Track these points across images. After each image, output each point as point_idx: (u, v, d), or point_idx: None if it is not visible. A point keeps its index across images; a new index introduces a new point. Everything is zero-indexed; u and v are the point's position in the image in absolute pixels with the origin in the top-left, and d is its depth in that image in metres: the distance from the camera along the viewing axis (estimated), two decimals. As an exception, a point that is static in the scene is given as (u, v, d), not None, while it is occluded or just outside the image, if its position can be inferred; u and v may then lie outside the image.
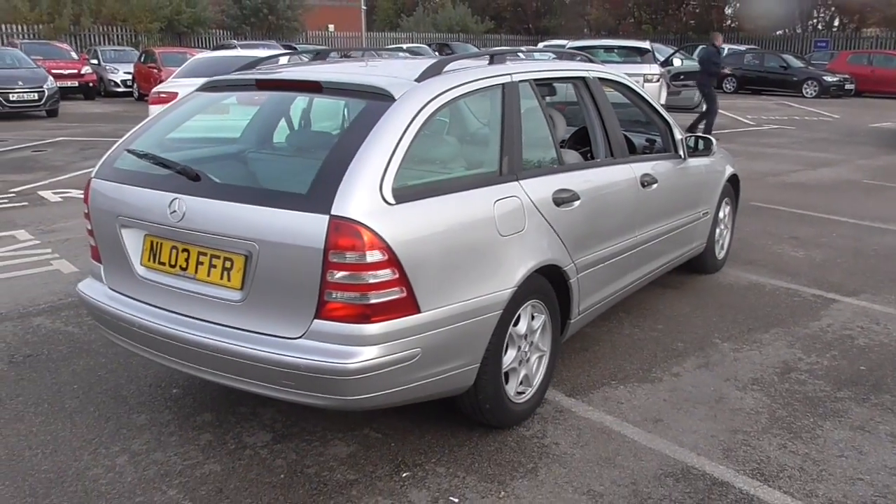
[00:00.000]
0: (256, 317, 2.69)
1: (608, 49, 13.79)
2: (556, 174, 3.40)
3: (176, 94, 9.56)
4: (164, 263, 2.92)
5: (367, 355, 2.56)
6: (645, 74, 12.58)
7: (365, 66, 3.51)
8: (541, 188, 3.24)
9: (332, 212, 2.50)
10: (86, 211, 3.23)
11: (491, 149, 3.16)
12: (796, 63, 26.38)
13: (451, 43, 30.55)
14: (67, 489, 2.84)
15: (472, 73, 3.13)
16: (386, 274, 2.54)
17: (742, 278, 5.52)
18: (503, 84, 3.24)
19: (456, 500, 2.79)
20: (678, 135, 4.59)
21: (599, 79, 3.97)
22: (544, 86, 3.64)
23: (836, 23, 37.10)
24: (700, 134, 4.65)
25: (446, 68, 3.07)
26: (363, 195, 2.54)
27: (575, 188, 3.43)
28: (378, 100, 2.83)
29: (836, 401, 3.63)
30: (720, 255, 5.58)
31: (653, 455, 3.12)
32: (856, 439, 3.28)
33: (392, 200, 2.60)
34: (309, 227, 2.52)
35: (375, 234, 2.51)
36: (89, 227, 3.22)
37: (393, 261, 2.55)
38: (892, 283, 5.50)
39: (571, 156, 3.78)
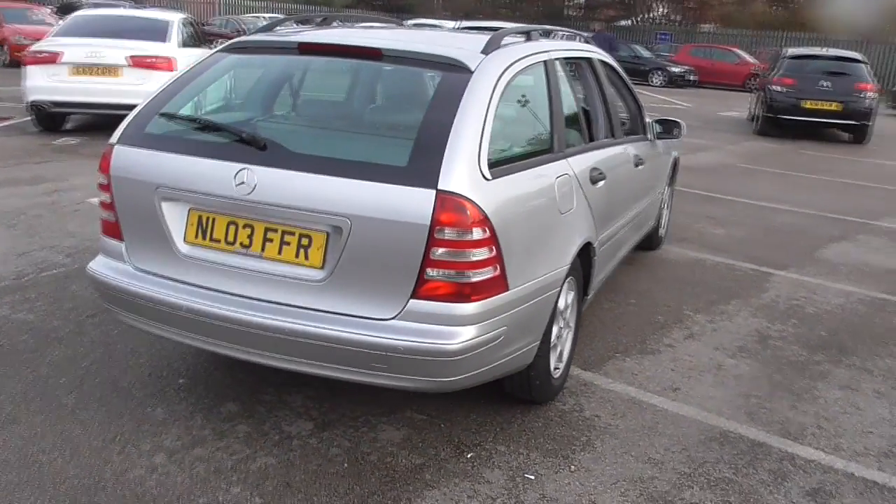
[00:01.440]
0: (340, 297, 2.54)
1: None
2: (588, 152, 3.46)
3: (59, 53, 8.75)
4: (217, 240, 2.68)
5: (467, 335, 2.51)
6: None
7: (410, 35, 3.37)
8: (581, 166, 3.28)
9: (439, 186, 2.41)
10: (104, 182, 2.90)
11: (545, 125, 3.16)
12: (645, 53, 28.04)
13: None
14: (113, 494, 2.57)
15: (525, 49, 3.09)
16: (485, 251, 2.49)
17: (683, 255, 5.85)
18: (545, 61, 3.23)
19: (532, 477, 2.79)
20: (647, 117, 4.78)
21: (600, 60, 4.06)
22: (569, 64, 3.67)
23: (678, 17, 39.56)
24: (668, 117, 4.86)
25: (503, 42, 3.02)
26: (466, 169, 2.47)
27: (601, 167, 3.50)
28: (454, 71, 2.74)
29: (817, 364, 3.95)
30: (662, 232, 5.88)
31: (688, 422, 3.26)
32: (849, 398, 3.59)
33: (489, 176, 2.55)
34: (414, 201, 2.42)
35: (480, 209, 2.45)
36: (107, 200, 2.90)
37: (492, 237, 2.50)
38: (808, 257, 6.03)
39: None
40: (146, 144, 2.83)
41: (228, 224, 2.66)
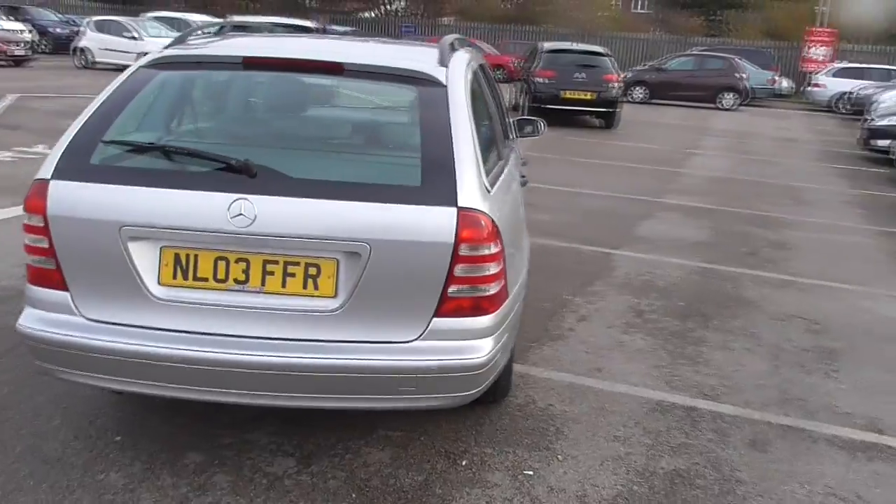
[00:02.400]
0: (358, 325, 2.46)
1: (272, 26, 13.54)
2: (513, 155, 3.61)
3: None
4: (203, 279, 2.46)
5: (489, 347, 2.56)
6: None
7: (346, 47, 3.24)
8: (516, 169, 3.43)
9: (459, 203, 2.43)
10: (37, 224, 2.50)
11: (494, 132, 3.25)
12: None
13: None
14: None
15: (464, 58, 3.13)
16: (498, 263, 2.56)
17: (531, 242, 6.23)
18: (475, 69, 3.32)
19: (531, 473, 2.92)
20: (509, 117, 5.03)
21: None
22: (481, 69, 3.75)
23: (419, 10, 40.79)
24: (529, 116, 5.15)
25: (454, 52, 3.05)
26: (476, 184, 2.51)
27: (521, 170, 3.68)
28: (427, 85, 2.74)
29: (692, 331, 4.49)
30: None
31: (626, 398, 3.57)
32: (731, 357, 4.14)
33: (489, 188, 2.61)
34: (435, 220, 2.41)
35: (494, 223, 2.51)
36: (41, 245, 2.52)
37: (501, 249, 2.57)
38: (630, 235, 6.74)
39: None
40: (98, 178, 2.50)
41: (216, 260, 2.45)
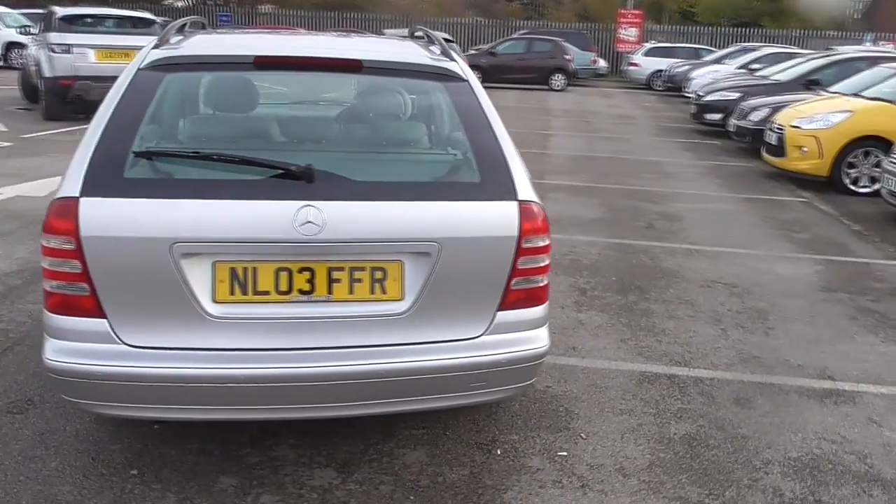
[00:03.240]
0: (427, 325, 2.44)
1: (103, 18, 12.50)
2: None
3: None
4: (264, 293, 2.33)
5: (546, 335, 2.64)
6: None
7: (356, 43, 3.12)
8: None
9: (519, 197, 2.47)
10: (65, 247, 2.26)
11: None
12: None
13: None
14: None
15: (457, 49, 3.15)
16: (549, 254, 2.62)
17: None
18: None
19: (564, 453, 3.03)
20: None
21: None
22: None
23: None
24: None
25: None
26: (526, 176, 2.56)
27: None
28: (450, 80, 2.75)
29: (635, 304, 4.77)
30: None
31: (612, 373, 3.77)
32: (682, 325, 4.46)
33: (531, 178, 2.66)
34: (500, 215, 2.44)
35: (546, 215, 2.57)
36: (73, 269, 2.28)
37: (550, 240, 2.63)
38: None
39: None
40: (141, 192, 2.29)
41: (278, 272, 2.34)
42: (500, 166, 2.52)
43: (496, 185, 2.49)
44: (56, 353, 2.33)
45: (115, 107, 2.44)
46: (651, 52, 26.95)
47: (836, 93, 10.65)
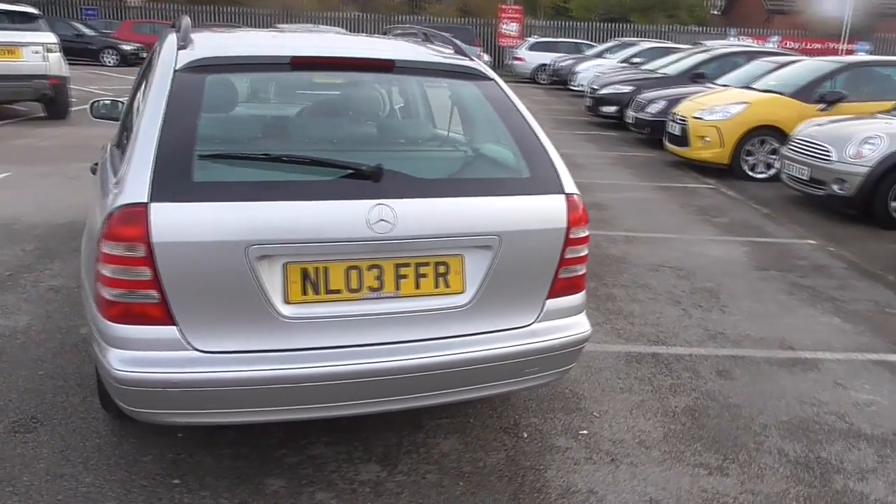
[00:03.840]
0: (485, 316, 2.55)
1: None
2: None
3: None
4: (336, 291, 2.37)
5: (586, 320, 2.80)
6: (45, 44, 11.24)
7: (377, 43, 3.16)
8: None
9: (565, 190, 2.62)
10: (135, 254, 2.21)
11: None
12: (88, 31, 26.06)
13: None
14: None
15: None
16: (588, 244, 2.78)
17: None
18: None
19: (585, 432, 3.21)
20: None
21: None
22: None
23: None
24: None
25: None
26: (568, 171, 2.70)
27: None
28: (479, 79, 2.86)
29: (597, 289, 5.02)
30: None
31: (598, 355, 3.98)
32: (645, 307, 4.75)
33: None
34: (551, 207, 2.58)
35: (586, 207, 2.72)
36: (143, 276, 2.23)
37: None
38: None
39: None
40: (213, 196, 2.27)
41: (348, 270, 2.38)
42: (545, 161, 2.66)
43: (544, 179, 2.62)
44: (124, 363, 2.27)
45: (166, 109, 2.38)
46: (535, 47, 27.72)
47: (725, 85, 11.44)
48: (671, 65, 15.08)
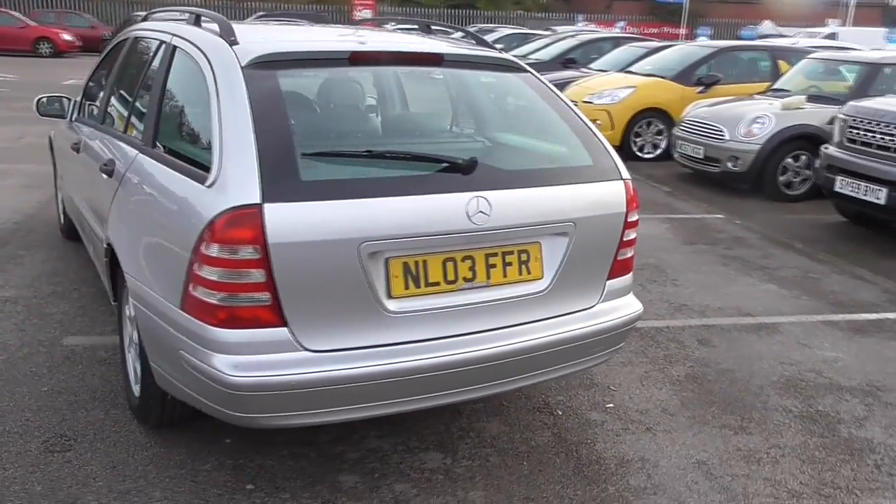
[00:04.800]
0: (559, 300, 2.66)
1: None
2: None
3: None
4: (435, 283, 2.40)
5: (636, 300, 2.97)
6: None
7: (412, 38, 3.22)
8: None
9: (623, 176, 2.77)
10: (248, 256, 2.15)
11: None
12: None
13: None
14: None
15: None
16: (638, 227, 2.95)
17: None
18: None
19: (612, 405, 3.40)
20: None
21: None
22: None
23: None
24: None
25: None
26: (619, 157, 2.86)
27: None
28: (518, 71, 2.96)
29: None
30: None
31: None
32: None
33: None
34: (614, 193, 2.73)
35: (636, 191, 2.89)
36: (256, 280, 2.17)
37: None
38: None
39: None
40: (325, 195, 2.24)
41: (445, 262, 2.41)
42: (602, 149, 2.80)
43: (605, 166, 2.77)
44: (235, 368, 2.19)
45: (251, 107, 2.29)
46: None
47: (603, 70, 12.05)
48: (539, 51, 15.60)
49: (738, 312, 4.62)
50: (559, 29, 21.36)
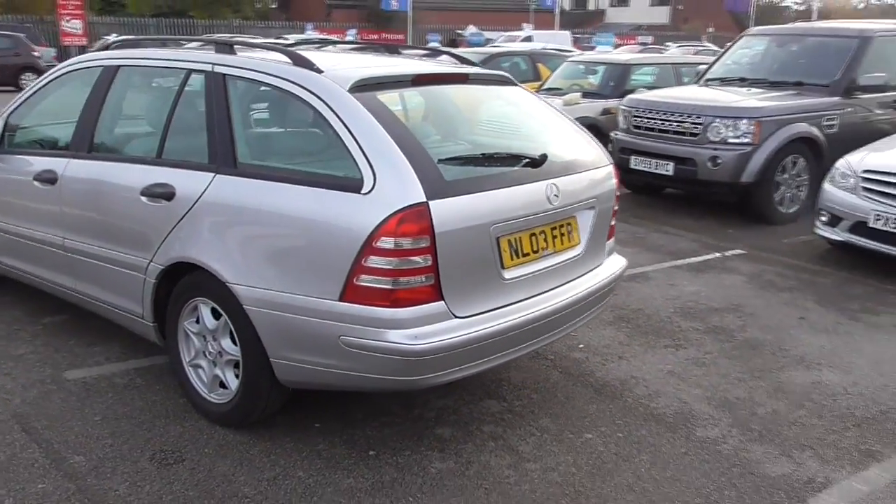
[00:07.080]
0: (587, 260, 3.45)
1: None
2: None
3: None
4: (526, 254, 3.09)
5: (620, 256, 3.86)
6: None
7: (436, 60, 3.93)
8: None
9: (610, 161, 3.66)
10: (420, 245, 2.69)
11: None
12: None
13: None
14: None
15: None
16: None
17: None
18: None
19: (582, 346, 4.27)
20: None
21: None
22: None
23: None
24: None
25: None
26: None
27: None
28: (514, 85, 3.73)
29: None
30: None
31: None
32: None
33: None
34: (609, 174, 3.60)
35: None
36: (425, 265, 2.72)
37: None
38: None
39: None
40: (463, 190, 2.84)
41: (531, 236, 3.10)
42: (592, 142, 3.63)
43: (600, 154, 3.60)
44: (413, 338, 2.69)
45: (380, 123, 2.80)
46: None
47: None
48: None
49: (675, 255, 5.86)
50: (289, 37, 21.82)
